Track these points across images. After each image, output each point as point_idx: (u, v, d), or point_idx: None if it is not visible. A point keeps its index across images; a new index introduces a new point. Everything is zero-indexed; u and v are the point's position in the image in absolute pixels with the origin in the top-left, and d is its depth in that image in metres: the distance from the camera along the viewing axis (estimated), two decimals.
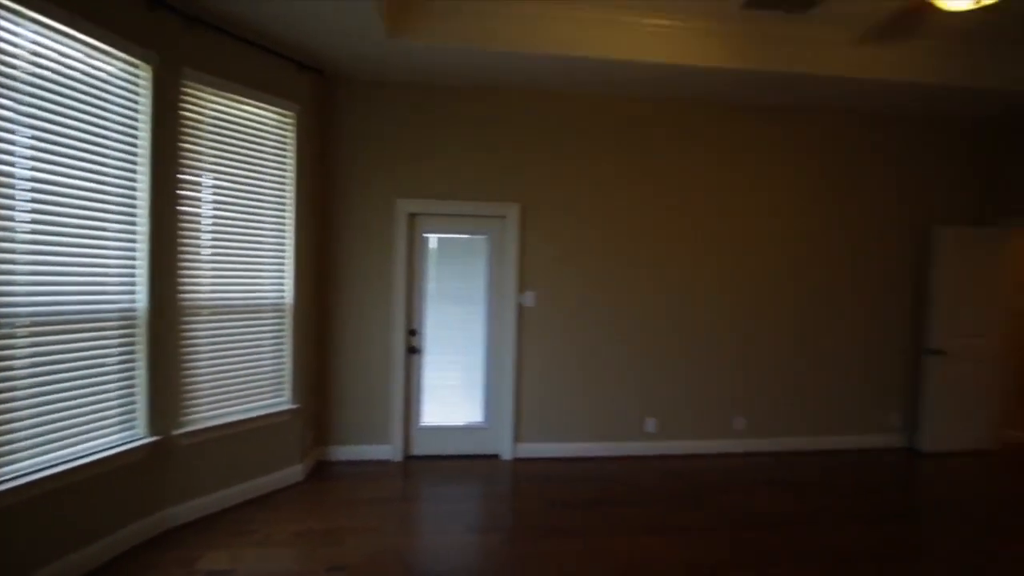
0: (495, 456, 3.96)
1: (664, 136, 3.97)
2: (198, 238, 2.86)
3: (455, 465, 3.76)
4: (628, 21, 3.27)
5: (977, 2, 1.90)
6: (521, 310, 3.91)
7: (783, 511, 3.15)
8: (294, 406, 3.36)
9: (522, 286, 3.90)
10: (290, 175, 3.31)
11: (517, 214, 3.87)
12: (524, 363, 3.92)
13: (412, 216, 3.82)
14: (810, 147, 4.14)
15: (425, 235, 3.87)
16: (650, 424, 4.05)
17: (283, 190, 3.29)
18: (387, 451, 3.81)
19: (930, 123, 4.28)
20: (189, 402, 2.84)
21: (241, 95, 2.98)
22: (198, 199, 2.85)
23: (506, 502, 3.19)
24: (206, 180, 2.89)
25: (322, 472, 3.55)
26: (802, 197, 4.16)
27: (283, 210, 3.30)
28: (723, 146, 4.04)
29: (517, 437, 3.94)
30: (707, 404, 4.12)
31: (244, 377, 3.12)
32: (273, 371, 3.29)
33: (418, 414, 3.90)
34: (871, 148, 4.22)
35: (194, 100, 2.78)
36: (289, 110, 3.25)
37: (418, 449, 3.91)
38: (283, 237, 3.31)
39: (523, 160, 3.86)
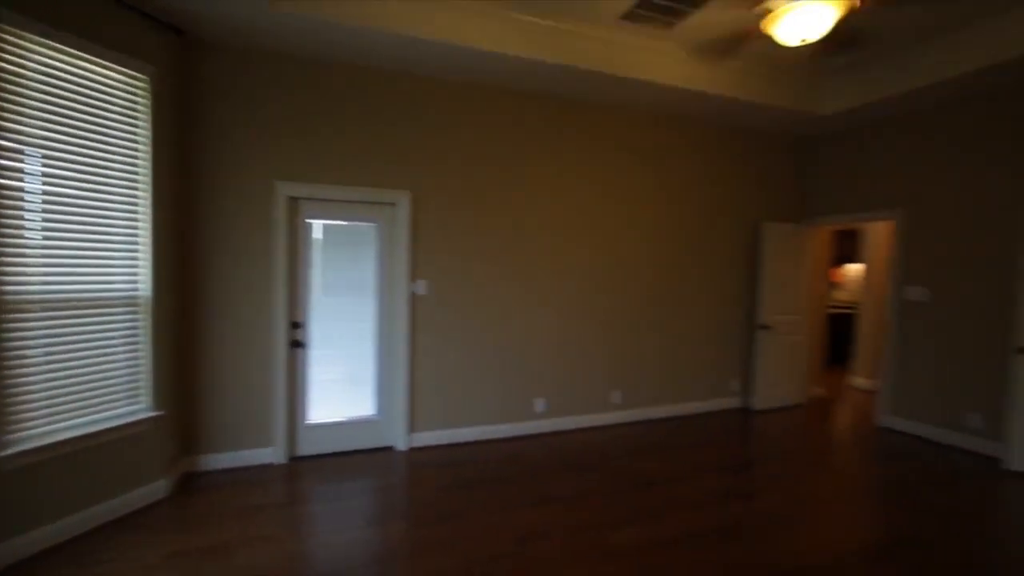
0: (389, 448, 3.88)
1: (545, 132, 4.19)
2: (21, 218, 2.36)
3: (347, 461, 3.61)
4: (524, 20, 3.41)
5: (802, 40, 2.34)
6: (414, 299, 3.86)
7: (656, 470, 3.58)
8: (154, 413, 2.94)
9: (414, 274, 3.85)
10: (144, 147, 2.86)
11: (408, 202, 3.80)
12: (417, 352, 3.89)
13: (293, 200, 3.55)
14: (672, 152, 4.69)
15: (309, 221, 3.62)
16: (540, 404, 4.29)
17: (135, 164, 2.83)
18: (269, 454, 3.52)
19: (767, 136, 5.12)
20: (14, 418, 2.34)
21: (78, 48, 2.50)
22: (19, 170, 2.34)
23: (403, 492, 3.16)
24: (31, 148, 2.38)
25: (194, 484, 3.16)
26: (664, 195, 4.69)
27: (135, 187, 2.84)
28: (595, 145, 4.39)
29: (412, 427, 3.90)
30: (589, 382, 4.48)
31: (90, 384, 2.65)
32: (127, 375, 2.84)
33: (304, 412, 3.66)
34: (721, 155, 4.92)
35: (11, 48, 2.27)
36: (141, 72, 2.80)
37: (305, 449, 3.67)
38: (136, 220, 2.86)
39: (415, 148, 3.80)
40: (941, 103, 4.26)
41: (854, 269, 8.47)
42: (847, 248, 8.47)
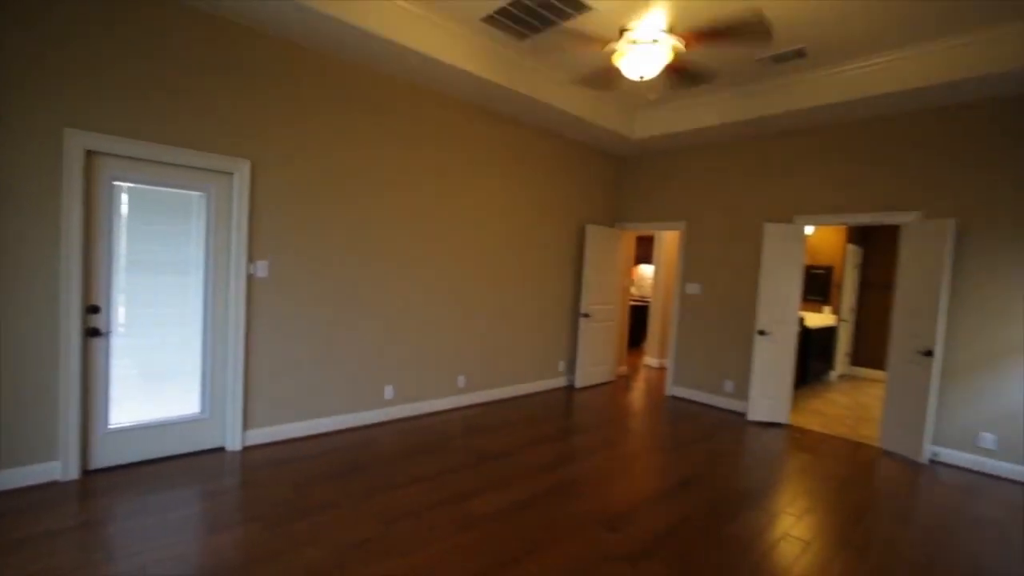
0: (220, 450, 3.45)
1: (405, 122, 4.18)
2: None
3: (166, 469, 3.10)
4: (394, 4, 3.35)
5: (641, 78, 2.82)
6: (252, 281, 3.49)
7: (501, 445, 3.89)
8: None
9: (253, 254, 3.49)
10: None
11: (248, 172, 3.42)
12: (255, 340, 3.53)
13: (91, 155, 2.89)
14: (516, 154, 5.08)
15: (115, 183, 3.00)
16: (388, 391, 4.27)
17: None
18: (55, 470, 2.83)
19: (594, 150, 5.86)
20: None
21: None
22: None
23: (250, 492, 2.88)
24: None
25: None
26: (507, 194, 5.07)
27: None
28: (451, 141, 4.53)
29: (247, 423, 3.53)
30: (437, 367, 4.61)
31: None
32: None
33: (104, 414, 3.03)
34: (557, 162, 5.49)
35: None
36: None
37: (106, 459, 3.04)
38: None
39: (264, 115, 3.43)
40: (712, 142, 5.47)
41: (647, 269, 10.17)
42: (641, 251, 10.12)
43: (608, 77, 3.14)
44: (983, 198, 3.89)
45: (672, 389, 5.84)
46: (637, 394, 5.84)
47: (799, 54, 3.88)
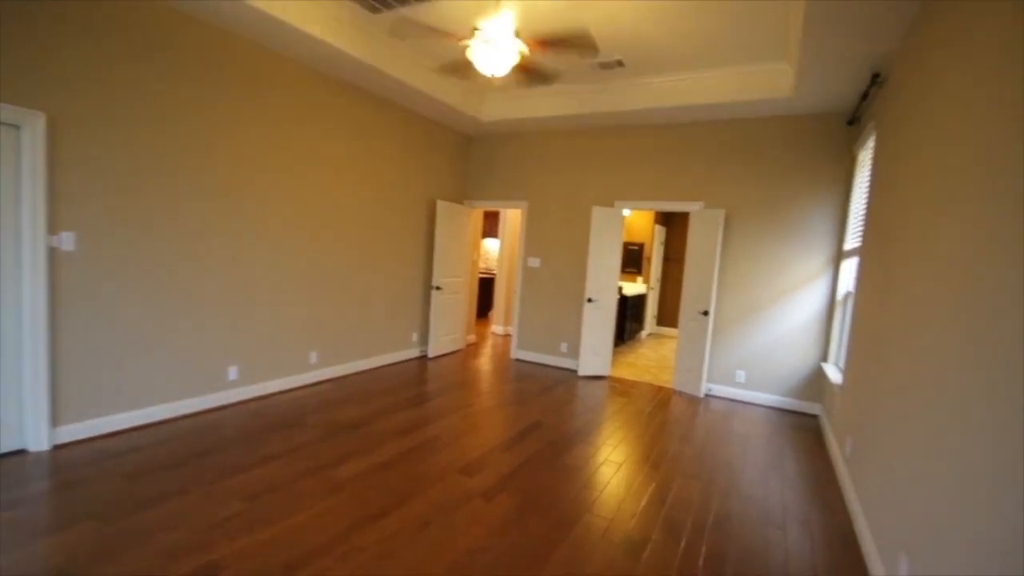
0: (20, 452, 2.95)
1: (247, 82, 3.86)
2: None
3: None
4: None
5: (492, 76, 3.10)
6: (57, 256, 3.00)
7: (360, 415, 4.01)
8: None
9: (57, 225, 2.99)
10: None
11: (44, 128, 2.89)
12: (64, 323, 3.06)
13: None
14: (368, 127, 5.02)
15: None
16: (232, 372, 4.03)
17: None
18: None
19: (446, 128, 6.01)
20: None
21: None
22: None
23: (67, 494, 2.58)
24: None
25: None
26: (361, 166, 5.01)
27: None
28: (300, 111, 4.32)
29: (57, 419, 3.07)
30: (286, 344, 4.46)
31: None
32: None
33: None
34: (411, 137, 5.54)
35: None
36: None
37: None
38: None
39: (58, 65, 2.89)
40: (552, 131, 6.07)
41: (493, 244, 10.76)
42: (488, 227, 10.66)
43: (464, 69, 3.36)
44: (741, 194, 5.10)
45: (516, 353, 6.48)
46: (485, 359, 6.35)
47: (619, 63, 4.56)
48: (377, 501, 2.71)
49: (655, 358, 7.13)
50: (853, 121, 4.47)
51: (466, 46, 3.04)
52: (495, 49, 2.97)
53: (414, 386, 4.93)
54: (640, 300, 8.42)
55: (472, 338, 7.35)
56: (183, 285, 3.63)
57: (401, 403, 4.38)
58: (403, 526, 2.49)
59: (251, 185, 4.01)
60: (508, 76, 3.86)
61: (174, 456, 3.06)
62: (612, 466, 3.39)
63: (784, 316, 4.95)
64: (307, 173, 4.46)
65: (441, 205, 6.04)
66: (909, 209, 2.51)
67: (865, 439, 2.78)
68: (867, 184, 3.92)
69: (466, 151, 6.65)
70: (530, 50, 3.04)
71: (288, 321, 4.45)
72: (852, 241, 4.38)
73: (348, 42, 4.00)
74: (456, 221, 6.38)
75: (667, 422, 4.37)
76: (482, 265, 11.16)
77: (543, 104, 5.47)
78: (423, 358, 6.13)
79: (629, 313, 7.80)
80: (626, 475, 3.27)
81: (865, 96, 3.86)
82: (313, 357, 4.74)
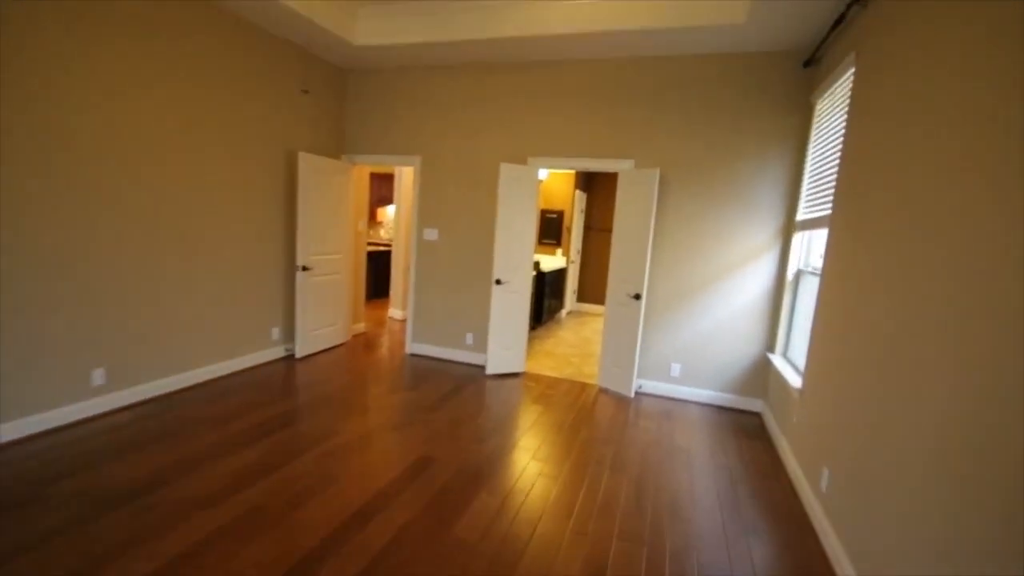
0: None
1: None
2: None
3: None
4: None
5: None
6: None
7: (147, 471, 2.66)
8: None
9: None
10: None
11: None
12: None
13: None
14: (205, 54, 3.42)
15: None
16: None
17: None
18: None
19: (309, 58, 4.46)
20: None
21: None
22: None
23: None
24: None
25: None
26: (189, 112, 3.42)
27: None
28: (99, 19, 2.68)
29: None
30: (55, 362, 2.93)
31: None
32: None
33: None
34: (258, 67, 3.97)
35: None
36: None
37: None
38: None
39: None
40: (441, 66, 4.76)
41: (391, 210, 9.30)
42: (386, 190, 9.17)
43: None
44: (678, 151, 4.18)
45: (412, 347, 5.28)
46: (373, 356, 5.10)
47: None
48: None
49: (576, 343, 6.26)
50: (811, 62, 3.65)
51: None
52: None
53: (258, 407, 3.59)
54: (560, 275, 7.51)
55: (360, 327, 6.03)
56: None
57: (228, 440, 3.06)
58: None
59: (17, 134, 2.38)
60: None
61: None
62: (524, 526, 2.38)
63: (725, 298, 4.18)
64: (113, 118, 2.84)
65: (305, 159, 4.57)
66: (910, 165, 1.67)
67: (851, 473, 1.97)
68: (831, 140, 3.12)
69: (340, 91, 5.16)
70: None
71: (60, 329, 2.90)
72: (807, 211, 3.63)
73: None
74: (330, 181, 4.94)
75: (593, 440, 3.45)
76: (385, 236, 9.69)
77: (428, 26, 4.15)
78: (289, 358, 4.76)
79: (548, 291, 6.85)
80: (543, 545, 2.27)
81: (839, 22, 2.99)
82: (98, 377, 3.24)
